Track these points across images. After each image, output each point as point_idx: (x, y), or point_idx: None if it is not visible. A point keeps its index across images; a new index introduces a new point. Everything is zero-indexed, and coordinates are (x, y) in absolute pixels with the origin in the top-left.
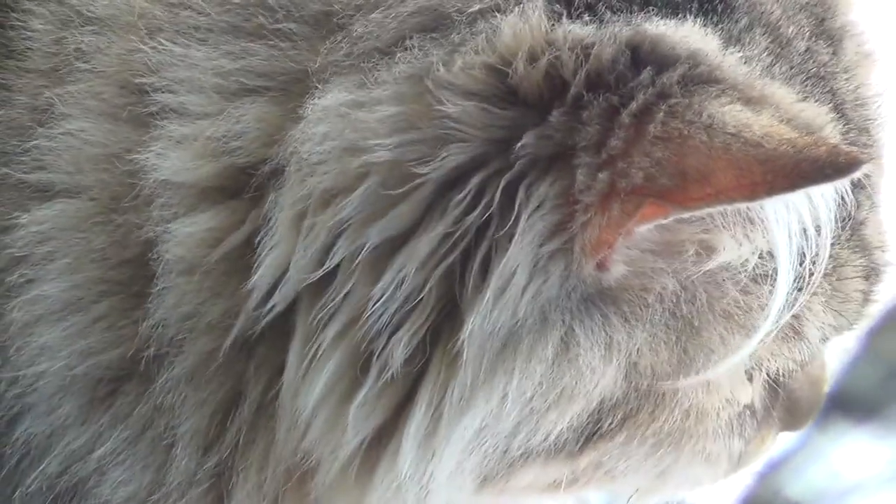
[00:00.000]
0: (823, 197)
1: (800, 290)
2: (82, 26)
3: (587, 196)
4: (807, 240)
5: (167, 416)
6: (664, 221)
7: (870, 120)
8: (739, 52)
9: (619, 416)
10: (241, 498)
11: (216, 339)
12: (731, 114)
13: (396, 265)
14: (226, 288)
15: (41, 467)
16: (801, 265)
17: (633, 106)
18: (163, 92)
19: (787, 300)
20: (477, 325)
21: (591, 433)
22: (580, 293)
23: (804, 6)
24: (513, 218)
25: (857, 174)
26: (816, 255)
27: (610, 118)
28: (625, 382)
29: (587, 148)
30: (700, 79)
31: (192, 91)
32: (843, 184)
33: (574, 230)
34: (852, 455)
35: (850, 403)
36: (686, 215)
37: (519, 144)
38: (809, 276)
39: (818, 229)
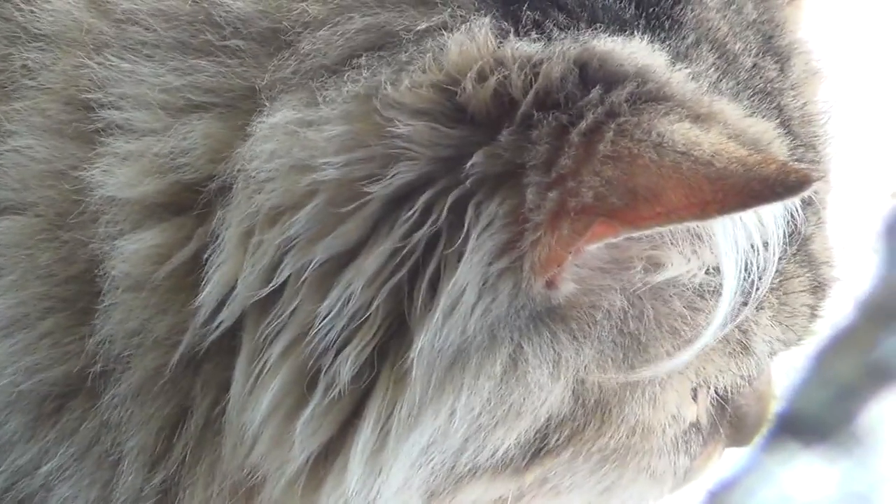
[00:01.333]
0: (773, 214)
1: (746, 304)
2: (28, 43)
3: (537, 215)
4: (754, 255)
5: (114, 432)
6: (614, 240)
7: (816, 136)
8: (687, 68)
9: (565, 433)
10: None
11: (162, 356)
12: (681, 132)
13: (343, 282)
14: (172, 304)
15: None
16: (748, 280)
17: (583, 125)
18: (109, 108)
19: (731, 314)
20: (426, 343)
21: (537, 449)
22: (529, 311)
23: (752, 23)
24: (462, 236)
25: (807, 192)
26: (764, 270)
27: (559, 137)
28: (572, 399)
29: (537, 167)
30: (648, 96)
31: (138, 107)
32: (794, 202)
33: (523, 249)
34: (802, 477)
35: (800, 425)
36: (636, 234)
37: (469, 163)
38: (756, 291)
39: (766, 245)
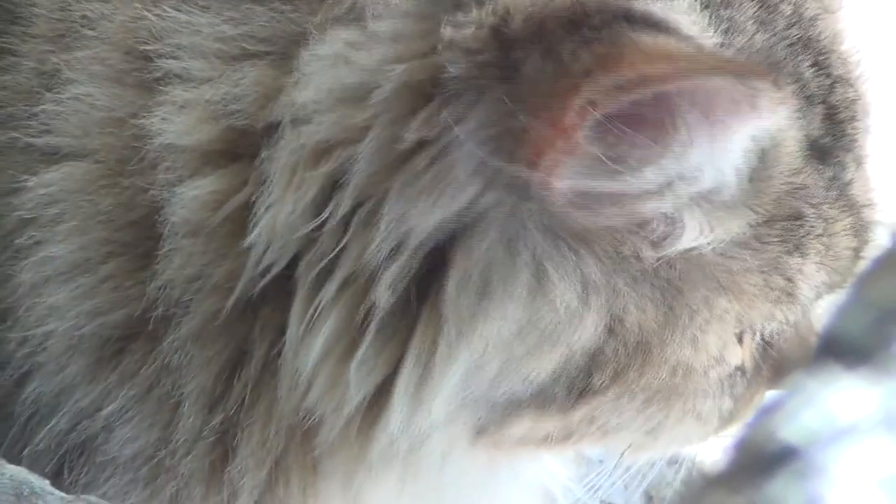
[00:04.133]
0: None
1: (791, 253)
2: None
3: (530, 99)
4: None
5: (174, 374)
6: (597, 115)
7: (851, 74)
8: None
9: (609, 373)
10: (246, 454)
11: (221, 300)
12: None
13: (386, 219)
14: (230, 249)
15: (50, 425)
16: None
17: (598, 19)
18: (167, 58)
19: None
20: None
21: (582, 388)
22: (539, 222)
23: None
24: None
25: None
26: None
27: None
28: (611, 337)
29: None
30: (659, 26)
31: (195, 56)
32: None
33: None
34: (845, 398)
35: (842, 348)
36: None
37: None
38: (800, 240)
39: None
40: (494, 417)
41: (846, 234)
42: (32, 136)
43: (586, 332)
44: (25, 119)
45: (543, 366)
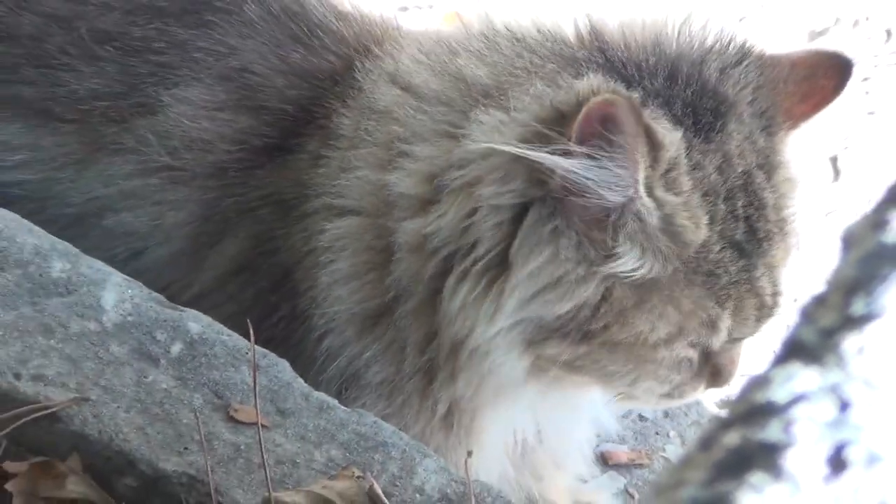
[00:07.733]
0: None
1: (710, 298)
2: (370, 116)
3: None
4: None
5: (402, 333)
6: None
7: (782, 220)
8: (699, 158)
9: (601, 324)
10: (442, 378)
11: (426, 288)
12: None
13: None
14: (430, 259)
15: (335, 363)
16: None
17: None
18: (404, 143)
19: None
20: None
21: (586, 331)
22: (567, 225)
23: (760, 150)
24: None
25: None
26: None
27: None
28: (604, 300)
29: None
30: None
31: (417, 142)
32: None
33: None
34: (805, 378)
35: (802, 352)
36: None
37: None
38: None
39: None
40: (536, 336)
41: (751, 309)
42: (332, 199)
43: (589, 291)
44: (330, 190)
45: (565, 306)
